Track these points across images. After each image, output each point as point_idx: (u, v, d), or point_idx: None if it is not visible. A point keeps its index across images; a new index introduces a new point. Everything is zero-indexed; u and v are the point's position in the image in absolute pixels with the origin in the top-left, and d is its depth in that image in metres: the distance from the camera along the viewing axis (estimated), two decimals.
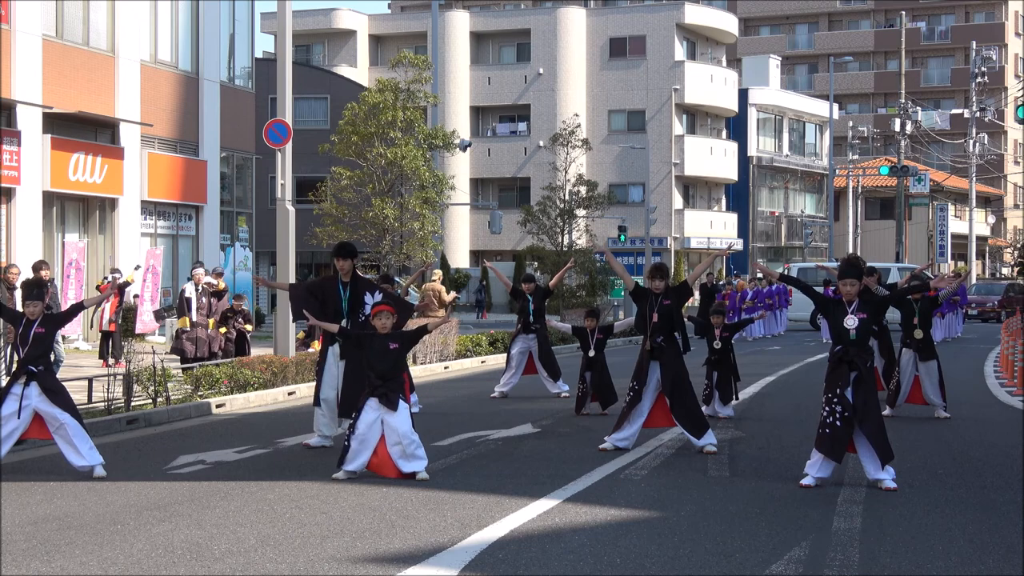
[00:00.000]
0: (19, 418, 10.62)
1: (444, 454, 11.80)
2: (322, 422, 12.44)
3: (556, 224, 39.74)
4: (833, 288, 11.92)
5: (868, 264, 13.77)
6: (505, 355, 19.42)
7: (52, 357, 11.29)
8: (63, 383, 11.11)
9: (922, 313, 15.16)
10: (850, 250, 66.12)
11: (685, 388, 12.07)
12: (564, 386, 17.58)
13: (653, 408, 12.16)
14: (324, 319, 11.76)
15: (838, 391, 10.03)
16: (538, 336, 17.71)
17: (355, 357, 11.49)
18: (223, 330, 20.20)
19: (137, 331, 25.67)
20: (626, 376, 12.68)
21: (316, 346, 18.77)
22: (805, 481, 10.09)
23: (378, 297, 12.24)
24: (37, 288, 10.92)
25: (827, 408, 10.08)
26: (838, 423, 10.00)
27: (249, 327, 20.51)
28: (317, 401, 12.49)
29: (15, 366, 10.90)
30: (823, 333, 33.11)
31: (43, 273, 20.42)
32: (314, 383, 12.90)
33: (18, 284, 19.89)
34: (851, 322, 10.11)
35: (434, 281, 27.22)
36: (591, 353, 15.46)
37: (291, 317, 18.16)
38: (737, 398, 15.63)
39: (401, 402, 10.40)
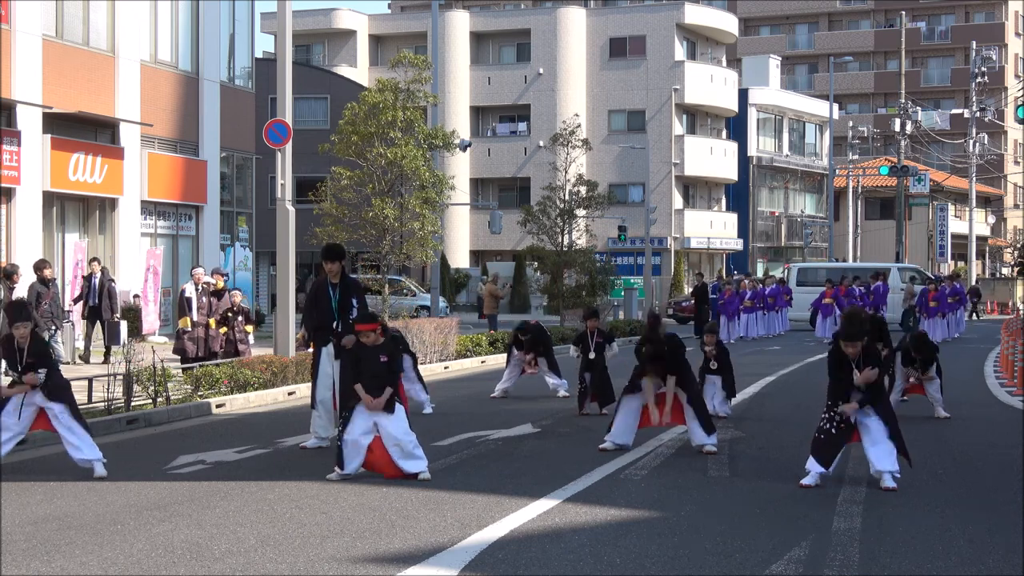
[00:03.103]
0: (19, 419, 10.65)
1: (444, 454, 11.80)
2: (318, 423, 12.45)
3: (556, 224, 39.64)
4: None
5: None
6: (505, 355, 19.43)
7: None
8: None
9: (924, 363, 15.36)
10: (850, 250, 66.13)
11: (692, 386, 12.10)
12: (564, 382, 17.59)
13: (657, 409, 12.13)
14: (317, 322, 12.00)
15: (840, 402, 10.12)
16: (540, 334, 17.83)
17: (350, 357, 11.48)
18: (223, 330, 20.17)
19: (143, 331, 25.67)
20: (626, 377, 12.64)
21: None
22: (806, 480, 10.09)
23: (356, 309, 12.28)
24: (23, 309, 10.96)
25: (827, 415, 10.20)
26: (834, 431, 10.08)
27: (249, 328, 20.48)
28: (314, 403, 12.51)
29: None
30: (818, 331, 33.20)
31: (45, 272, 20.48)
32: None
33: (18, 285, 19.91)
34: (858, 379, 10.10)
35: (490, 283, 33.69)
36: (591, 355, 15.46)
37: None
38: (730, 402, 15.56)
39: (397, 404, 10.43)
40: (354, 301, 12.26)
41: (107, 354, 21.61)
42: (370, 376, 10.46)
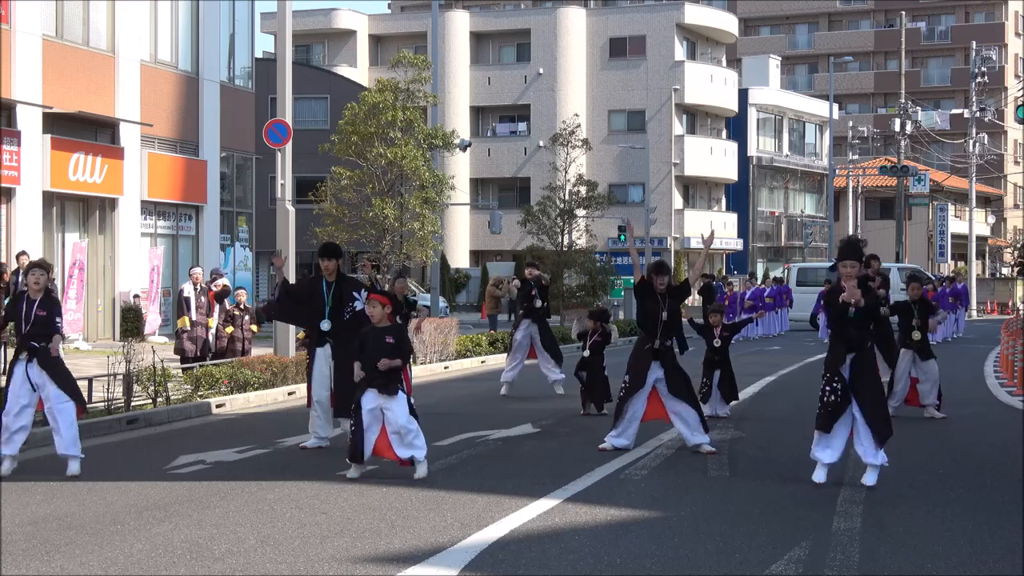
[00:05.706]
0: (32, 393, 10.73)
1: (444, 454, 11.80)
2: (317, 423, 12.43)
3: (556, 224, 39.72)
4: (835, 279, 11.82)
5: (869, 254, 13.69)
6: (505, 355, 19.46)
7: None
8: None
9: (922, 316, 15.16)
10: None
11: (689, 388, 12.11)
12: (562, 376, 17.63)
13: (648, 404, 12.12)
14: (307, 318, 12.33)
15: (837, 370, 10.04)
16: (539, 322, 17.84)
17: (346, 357, 11.40)
18: (229, 330, 20.15)
19: (146, 332, 25.68)
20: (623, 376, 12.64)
21: None
22: (817, 477, 10.05)
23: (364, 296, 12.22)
24: (43, 263, 11.10)
25: (827, 388, 10.08)
26: (835, 398, 10.01)
27: (255, 328, 20.48)
28: (310, 403, 12.51)
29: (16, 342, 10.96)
30: (821, 332, 33.14)
31: None
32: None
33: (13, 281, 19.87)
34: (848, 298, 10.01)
35: (491, 284, 35.87)
36: (585, 353, 15.47)
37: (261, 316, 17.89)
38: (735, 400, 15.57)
39: (400, 392, 10.38)
40: (356, 295, 12.21)
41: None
42: (374, 356, 10.38)
